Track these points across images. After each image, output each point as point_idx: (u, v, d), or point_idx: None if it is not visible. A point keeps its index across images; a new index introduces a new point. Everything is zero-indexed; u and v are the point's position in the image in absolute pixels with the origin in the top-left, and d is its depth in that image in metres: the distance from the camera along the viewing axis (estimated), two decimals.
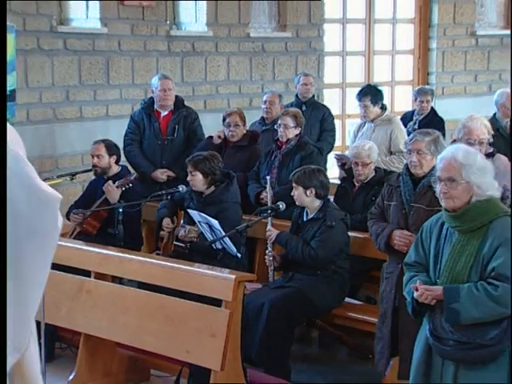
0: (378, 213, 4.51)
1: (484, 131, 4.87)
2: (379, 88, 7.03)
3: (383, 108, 6.84)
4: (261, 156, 6.23)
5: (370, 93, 6.82)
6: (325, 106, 7.68)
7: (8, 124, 2.56)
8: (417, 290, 3.39)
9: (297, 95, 7.54)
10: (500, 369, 3.28)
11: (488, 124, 5.01)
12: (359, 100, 6.83)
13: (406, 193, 4.31)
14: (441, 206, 3.75)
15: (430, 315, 3.42)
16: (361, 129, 6.88)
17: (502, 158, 4.99)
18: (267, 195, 5.53)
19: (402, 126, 6.94)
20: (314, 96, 7.61)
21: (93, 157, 6.01)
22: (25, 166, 2.51)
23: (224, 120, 6.42)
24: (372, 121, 6.75)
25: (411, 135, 4.49)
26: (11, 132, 2.56)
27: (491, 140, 4.99)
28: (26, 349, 2.60)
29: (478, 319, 3.28)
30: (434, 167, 4.06)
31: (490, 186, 3.40)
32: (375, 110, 6.74)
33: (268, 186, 5.54)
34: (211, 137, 6.51)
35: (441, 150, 4.18)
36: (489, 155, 4.79)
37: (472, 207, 3.36)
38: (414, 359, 3.50)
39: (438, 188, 3.44)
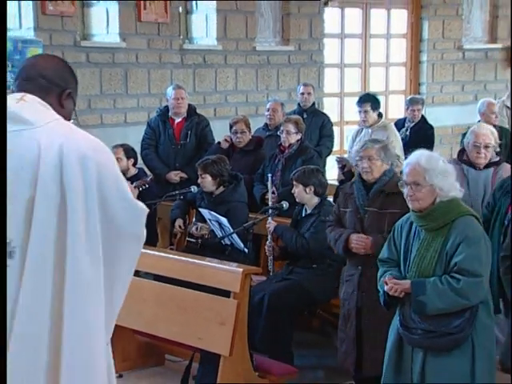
0: (335, 220, 4.42)
1: (490, 137, 4.80)
2: (377, 97, 7.04)
3: (380, 115, 6.84)
4: (265, 159, 6.23)
5: (370, 100, 6.83)
6: (324, 114, 7.67)
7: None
8: (387, 283, 3.40)
9: (299, 104, 7.54)
10: (463, 355, 3.28)
11: (495, 132, 4.93)
12: (360, 106, 6.81)
13: (360, 198, 4.22)
14: (393, 208, 3.87)
15: (401, 307, 3.43)
16: (359, 134, 6.86)
17: (507, 167, 4.86)
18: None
19: (397, 132, 6.93)
20: (314, 104, 7.60)
21: None
22: (123, 180, 2.54)
23: (231, 127, 6.41)
24: (369, 127, 6.74)
25: (362, 143, 4.42)
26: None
27: (498, 149, 4.88)
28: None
29: (443, 310, 3.29)
30: (384, 172, 4.17)
31: (452, 187, 3.41)
32: (374, 116, 6.74)
33: (269, 183, 5.56)
34: (219, 142, 6.52)
35: (390, 156, 4.26)
36: (494, 164, 4.77)
37: (436, 208, 3.37)
38: (387, 348, 3.49)
39: (405, 191, 3.44)
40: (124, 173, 5.99)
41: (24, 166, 2.36)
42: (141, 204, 2.56)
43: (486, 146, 4.69)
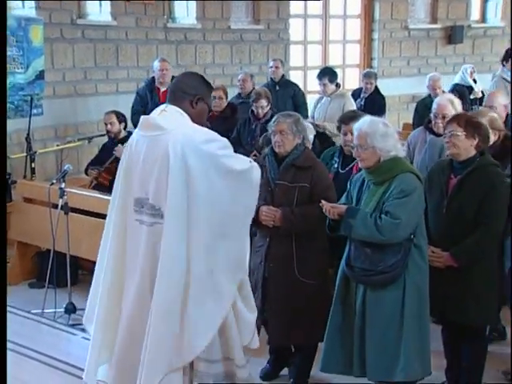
0: None
1: (449, 107, 4.44)
2: (334, 70, 6.99)
3: (337, 85, 6.81)
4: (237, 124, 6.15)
5: (328, 73, 6.78)
6: (294, 84, 7.52)
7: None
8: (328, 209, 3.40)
9: (271, 78, 7.40)
10: (397, 289, 3.30)
11: (456, 102, 4.54)
12: (320, 79, 6.77)
13: (272, 171, 3.80)
14: (303, 181, 3.72)
15: (348, 250, 3.43)
16: (319, 101, 6.82)
17: None
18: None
19: (352, 100, 6.89)
20: (283, 76, 7.51)
21: (106, 124, 5.95)
22: (229, 158, 2.95)
23: None
24: (329, 96, 6.70)
25: (274, 117, 3.94)
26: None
27: None
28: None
29: (363, 237, 3.32)
30: (296, 146, 3.79)
31: (392, 147, 3.37)
32: (332, 87, 6.70)
33: None
34: None
35: (302, 130, 3.83)
36: None
37: (381, 165, 3.36)
38: (336, 285, 3.50)
39: (354, 151, 3.45)
40: (116, 135, 5.94)
41: (160, 158, 2.87)
42: (239, 168, 2.94)
43: (444, 117, 4.40)
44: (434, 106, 4.55)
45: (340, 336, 3.42)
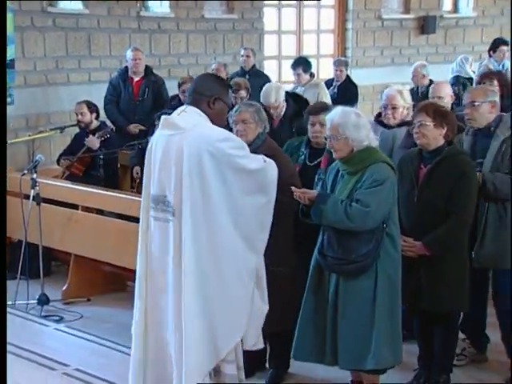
0: None
1: (398, 98, 4.43)
2: (308, 59, 7.00)
3: (312, 75, 6.83)
4: None
5: (302, 63, 6.80)
6: (265, 75, 7.57)
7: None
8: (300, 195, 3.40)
9: (241, 66, 7.43)
10: (369, 279, 3.33)
11: (405, 93, 4.54)
12: (294, 69, 6.78)
13: None
14: None
15: (321, 238, 3.44)
16: (294, 91, 6.83)
17: None
18: None
19: (326, 90, 6.91)
20: (254, 66, 7.50)
21: (77, 114, 5.93)
22: (242, 158, 3.06)
23: (179, 86, 6.28)
24: (303, 85, 6.72)
25: (236, 107, 3.91)
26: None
27: (408, 109, 4.42)
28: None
29: (332, 223, 3.33)
30: (258, 135, 3.76)
31: (365, 137, 3.39)
32: (306, 76, 6.72)
33: None
34: (173, 98, 6.41)
35: (264, 120, 3.81)
36: (406, 123, 4.29)
37: (354, 155, 3.38)
38: (309, 274, 3.51)
39: (327, 142, 3.46)
40: (88, 125, 5.90)
41: (175, 156, 2.99)
42: (254, 168, 3.06)
43: (393, 107, 4.38)
44: (384, 97, 4.54)
45: (312, 324, 3.44)
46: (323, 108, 4.04)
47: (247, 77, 7.02)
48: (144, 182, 3.21)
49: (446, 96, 4.69)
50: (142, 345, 3.13)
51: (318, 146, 4.03)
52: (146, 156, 3.20)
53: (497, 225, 3.77)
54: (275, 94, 5.34)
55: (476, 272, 3.71)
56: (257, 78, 7.15)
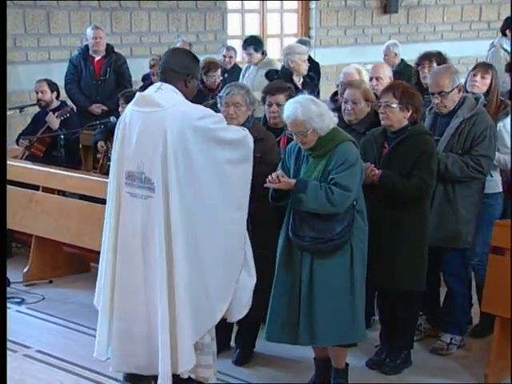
0: None
1: (355, 76, 4.52)
2: (259, 38, 6.98)
3: (263, 54, 6.81)
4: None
5: (253, 43, 6.79)
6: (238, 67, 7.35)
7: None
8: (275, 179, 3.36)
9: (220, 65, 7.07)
10: (344, 255, 3.36)
11: (363, 72, 4.63)
12: (244, 49, 6.77)
13: None
14: (255, 152, 3.60)
15: (293, 219, 3.42)
16: (247, 70, 6.81)
17: None
18: None
19: (279, 68, 6.87)
20: (236, 64, 7.24)
21: (37, 92, 5.82)
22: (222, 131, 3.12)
23: (151, 68, 6.23)
24: (255, 64, 6.70)
25: (227, 89, 3.81)
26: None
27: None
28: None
29: (313, 210, 3.33)
30: (248, 118, 3.73)
31: (329, 122, 3.37)
32: (258, 55, 6.71)
33: None
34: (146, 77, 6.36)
35: (253, 102, 3.78)
36: None
37: (320, 141, 3.36)
38: (277, 252, 3.50)
39: (295, 137, 3.41)
40: (48, 104, 5.79)
41: (157, 133, 3.00)
42: (236, 137, 3.15)
43: (350, 84, 4.31)
44: (341, 75, 4.59)
45: (286, 305, 3.41)
46: (280, 88, 4.04)
47: (226, 75, 6.69)
48: (115, 157, 3.20)
49: (384, 78, 4.68)
50: (109, 317, 3.19)
51: (276, 126, 4.04)
52: (118, 132, 3.19)
53: (443, 205, 3.82)
54: None
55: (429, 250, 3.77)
56: (236, 77, 6.85)
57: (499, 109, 4.17)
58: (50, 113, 5.66)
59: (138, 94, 3.17)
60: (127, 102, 5.27)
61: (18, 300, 4.74)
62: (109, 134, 5.76)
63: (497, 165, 4.09)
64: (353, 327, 3.37)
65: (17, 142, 5.83)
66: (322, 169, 3.36)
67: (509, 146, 4.11)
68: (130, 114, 3.14)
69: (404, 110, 3.60)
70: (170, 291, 3.03)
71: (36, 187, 5.17)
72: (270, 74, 6.03)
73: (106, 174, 5.25)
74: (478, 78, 4.27)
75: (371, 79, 4.69)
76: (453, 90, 3.81)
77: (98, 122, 5.74)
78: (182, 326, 3.02)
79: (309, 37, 9.53)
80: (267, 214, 3.71)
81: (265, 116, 4.12)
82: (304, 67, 5.89)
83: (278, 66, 6.77)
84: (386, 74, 4.74)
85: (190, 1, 8.58)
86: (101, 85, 6.45)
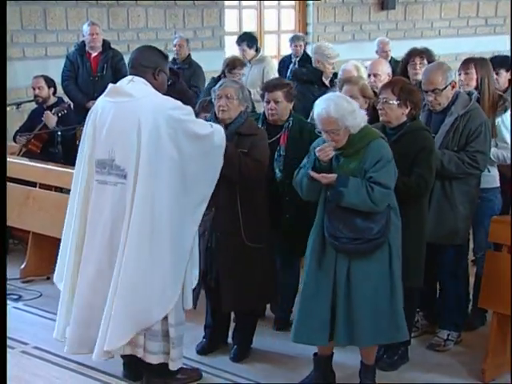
0: None
1: (353, 72, 4.56)
2: (253, 34, 6.97)
3: (257, 50, 6.81)
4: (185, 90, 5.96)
5: (246, 39, 6.78)
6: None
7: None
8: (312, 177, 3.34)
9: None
10: (382, 254, 3.34)
11: (361, 68, 4.69)
12: (238, 45, 6.77)
13: None
14: (243, 148, 3.63)
15: (326, 219, 3.37)
16: None
17: None
18: None
19: (273, 64, 6.90)
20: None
21: (34, 89, 5.81)
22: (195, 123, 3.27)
23: None
24: (249, 61, 6.69)
25: (220, 82, 3.83)
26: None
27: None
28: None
29: (353, 206, 3.29)
30: (240, 113, 3.68)
31: (361, 120, 3.35)
32: (251, 52, 6.71)
33: None
34: None
35: (247, 99, 3.73)
36: None
37: (352, 139, 3.33)
38: (308, 253, 3.44)
39: (325, 136, 3.36)
40: (45, 100, 5.78)
41: (129, 123, 3.12)
42: (203, 133, 3.27)
43: (348, 80, 4.33)
44: (340, 72, 4.59)
45: (318, 306, 3.34)
46: (278, 85, 4.02)
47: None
48: (85, 145, 3.31)
49: (382, 74, 4.67)
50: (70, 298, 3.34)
51: (275, 122, 4.02)
52: (88, 121, 3.30)
53: (441, 202, 3.81)
54: None
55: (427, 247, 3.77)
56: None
57: (496, 103, 4.15)
58: (47, 111, 5.65)
59: (110, 85, 3.31)
60: None
61: (16, 297, 4.74)
62: None
63: (495, 161, 4.08)
64: (393, 326, 3.35)
65: (14, 138, 5.83)
66: (356, 167, 3.32)
67: (508, 141, 4.10)
68: (102, 105, 3.26)
69: (402, 106, 3.59)
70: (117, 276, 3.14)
71: (33, 184, 5.16)
72: (299, 73, 5.97)
73: None
74: (463, 74, 4.27)
75: (369, 76, 4.68)
76: (446, 87, 3.81)
77: None
78: (118, 307, 3.12)
79: (306, 33, 9.52)
80: (258, 209, 3.71)
81: (264, 113, 4.09)
82: (330, 70, 5.77)
83: (273, 62, 6.79)
84: (384, 71, 4.73)
85: None
86: (98, 81, 6.42)
